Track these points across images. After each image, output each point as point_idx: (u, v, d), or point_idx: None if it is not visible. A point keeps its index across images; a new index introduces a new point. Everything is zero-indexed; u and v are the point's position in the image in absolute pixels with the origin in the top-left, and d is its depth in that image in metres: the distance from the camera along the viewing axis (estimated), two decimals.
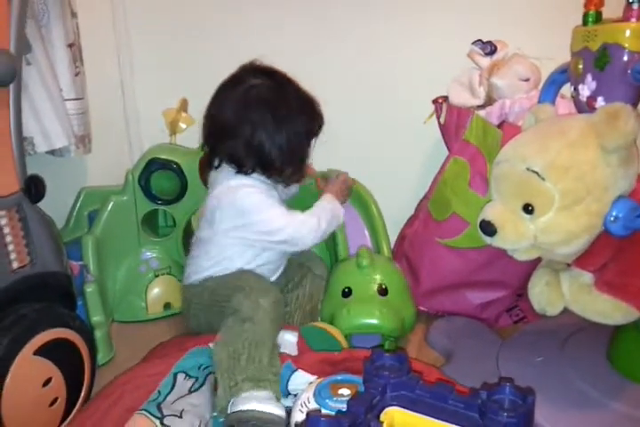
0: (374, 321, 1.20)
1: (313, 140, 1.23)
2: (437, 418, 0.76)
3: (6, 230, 0.93)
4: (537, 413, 0.84)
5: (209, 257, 1.21)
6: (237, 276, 1.18)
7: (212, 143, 1.22)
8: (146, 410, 0.93)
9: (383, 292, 1.24)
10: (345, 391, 0.92)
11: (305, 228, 1.18)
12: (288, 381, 1.03)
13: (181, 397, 0.98)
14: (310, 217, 1.20)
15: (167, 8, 1.60)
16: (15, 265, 0.95)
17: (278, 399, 0.99)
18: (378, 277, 1.26)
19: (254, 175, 1.19)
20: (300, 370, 1.04)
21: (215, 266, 1.20)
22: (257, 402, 0.96)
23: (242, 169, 1.18)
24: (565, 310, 1.03)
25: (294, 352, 1.11)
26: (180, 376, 1.02)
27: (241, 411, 0.95)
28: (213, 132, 1.20)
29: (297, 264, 1.32)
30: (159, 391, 0.98)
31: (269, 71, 1.21)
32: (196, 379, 1.02)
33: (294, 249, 1.22)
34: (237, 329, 1.04)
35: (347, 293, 1.25)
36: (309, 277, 1.31)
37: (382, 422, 0.75)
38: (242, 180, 1.18)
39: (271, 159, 1.17)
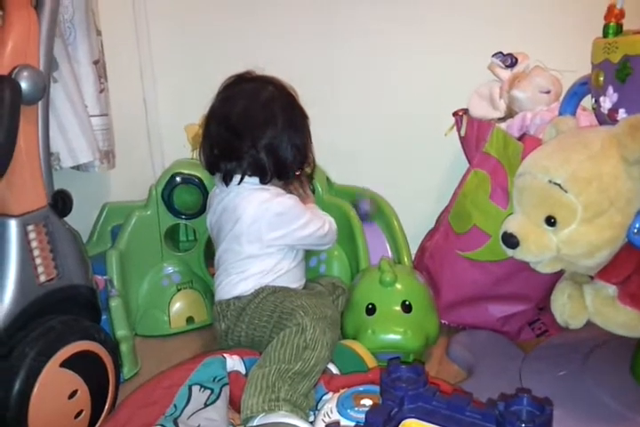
0: (399, 342, 1.20)
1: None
2: None
3: (34, 244, 0.95)
4: None
5: (258, 268, 1.22)
6: (306, 295, 1.20)
7: (231, 157, 1.23)
8: (162, 425, 0.93)
9: (407, 309, 1.24)
10: (367, 402, 0.92)
11: (333, 225, 1.30)
12: (318, 402, 1.03)
13: (197, 411, 0.97)
14: (324, 215, 1.30)
15: (189, 25, 1.63)
16: (43, 278, 0.96)
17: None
18: (401, 294, 1.26)
19: (271, 184, 1.23)
20: (330, 392, 1.04)
21: (267, 275, 1.22)
22: (290, 419, 0.95)
23: (265, 178, 1.22)
24: (588, 323, 1.02)
25: None
26: (195, 388, 1.02)
27: (275, 423, 0.94)
28: (233, 146, 1.22)
29: (332, 284, 1.35)
30: (175, 405, 0.98)
31: (267, 79, 1.27)
32: (212, 391, 1.02)
33: (329, 245, 1.33)
34: (296, 351, 1.04)
35: (370, 309, 1.24)
36: (342, 297, 1.33)
37: None
38: (269, 190, 1.22)
39: (289, 163, 1.23)
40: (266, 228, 1.20)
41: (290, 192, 1.28)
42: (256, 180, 1.23)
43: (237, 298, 1.21)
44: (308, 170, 1.31)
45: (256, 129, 1.20)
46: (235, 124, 1.21)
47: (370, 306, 1.25)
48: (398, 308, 1.24)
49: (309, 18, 1.56)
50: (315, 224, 1.25)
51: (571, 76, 1.20)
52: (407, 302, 1.24)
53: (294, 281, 1.26)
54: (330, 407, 0.94)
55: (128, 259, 1.38)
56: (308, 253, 1.45)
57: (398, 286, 1.26)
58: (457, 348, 1.30)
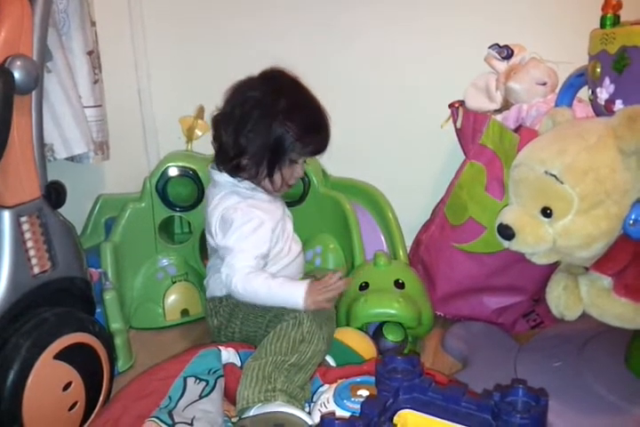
0: (392, 309, 1.19)
1: (299, 154, 1.18)
2: (450, 420, 0.76)
3: (28, 236, 0.94)
4: (555, 418, 0.84)
5: None
6: None
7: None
8: (157, 417, 0.93)
9: (400, 286, 1.24)
10: (364, 393, 0.93)
11: (243, 284, 1.12)
12: (314, 394, 1.04)
13: (192, 402, 0.97)
14: (260, 280, 1.12)
15: (184, 16, 1.62)
16: (36, 270, 0.95)
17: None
18: (394, 274, 1.26)
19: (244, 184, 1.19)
20: (326, 385, 1.04)
21: None
22: (287, 408, 0.95)
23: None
24: (583, 315, 1.02)
25: None
26: (190, 380, 1.02)
27: (272, 412, 0.94)
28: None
29: None
30: (170, 397, 0.98)
31: (278, 77, 1.21)
32: (207, 382, 1.02)
33: (231, 288, 1.14)
34: (293, 344, 1.04)
35: (363, 286, 1.24)
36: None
37: (395, 425, 0.76)
38: (240, 194, 1.19)
39: (230, 154, 1.17)
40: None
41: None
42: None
43: (229, 295, 1.20)
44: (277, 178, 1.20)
45: (219, 126, 1.19)
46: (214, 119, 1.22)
47: (363, 284, 1.25)
48: (391, 284, 1.24)
49: (308, 13, 1.55)
50: (236, 255, 1.14)
51: (567, 68, 1.20)
52: (400, 281, 1.24)
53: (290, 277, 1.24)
54: (327, 398, 0.94)
55: (122, 251, 1.38)
56: (304, 247, 1.45)
57: (391, 267, 1.27)
58: (452, 339, 1.30)
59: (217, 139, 1.20)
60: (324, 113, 1.21)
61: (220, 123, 1.19)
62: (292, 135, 1.16)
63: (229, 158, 1.18)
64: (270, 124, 1.16)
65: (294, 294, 1.11)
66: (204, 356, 1.06)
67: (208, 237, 1.24)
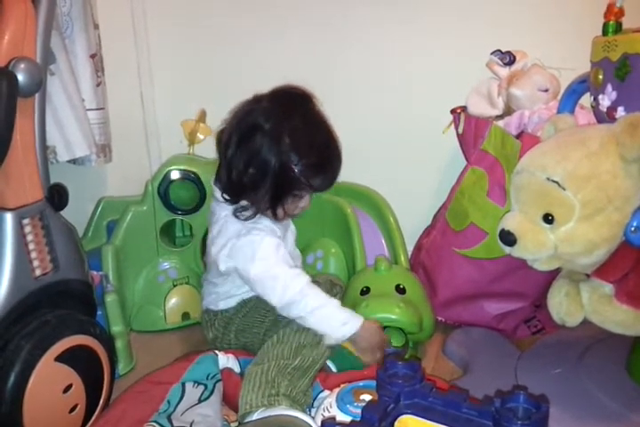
0: (393, 315, 1.18)
1: (304, 191, 1.13)
2: (451, 426, 0.75)
3: (30, 238, 0.94)
4: (555, 425, 0.84)
5: (235, 285, 1.19)
6: None
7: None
8: (156, 422, 0.93)
9: (401, 291, 1.24)
10: (366, 397, 0.93)
11: (297, 287, 1.09)
12: (314, 399, 1.04)
13: (191, 406, 0.98)
14: (299, 285, 1.09)
15: (186, 20, 1.63)
16: (38, 272, 0.95)
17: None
18: (396, 278, 1.26)
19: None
20: (326, 390, 1.04)
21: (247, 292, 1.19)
22: (291, 412, 0.95)
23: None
24: (584, 321, 1.02)
25: None
26: (189, 385, 1.02)
27: (276, 415, 0.94)
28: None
29: (329, 282, 1.32)
30: (168, 401, 0.98)
31: (287, 102, 1.13)
32: (205, 387, 1.02)
33: (275, 301, 1.10)
34: (295, 349, 1.04)
35: (364, 291, 1.24)
36: (339, 295, 1.30)
37: None
38: (243, 221, 1.16)
39: (231, 188, 1.13)
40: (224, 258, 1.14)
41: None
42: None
43: (225, 310, 1.20)
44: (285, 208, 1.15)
45: (221, 146, 1.15)
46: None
47: (364, 289, 1.25)
48: (392, 290, 1.24)
49: (309, 17, 1.55)
50: (270, 267, 1.11)
51: (569, 75, 1.20)
52: (401, 286, 1.24)
53: None
54: (329, 402, 0.94)
55: (124, 254, 1.38)
56: (305, 251, 1.45)
57: (392, 272, 1.27)
58: (453, 345, 1.30)
59: (220, 159, 1.15)
60: (336, 146, 1.15)
61: (221, 143, 1.13)
62: (297, 172, 1.09)
63: (230, 194, 1.13)
64: (273, 160, 1.08)
65: (351, 320, 1.07)
66: (202, 362, 1.07)
67: (209, 246, 1.20)
